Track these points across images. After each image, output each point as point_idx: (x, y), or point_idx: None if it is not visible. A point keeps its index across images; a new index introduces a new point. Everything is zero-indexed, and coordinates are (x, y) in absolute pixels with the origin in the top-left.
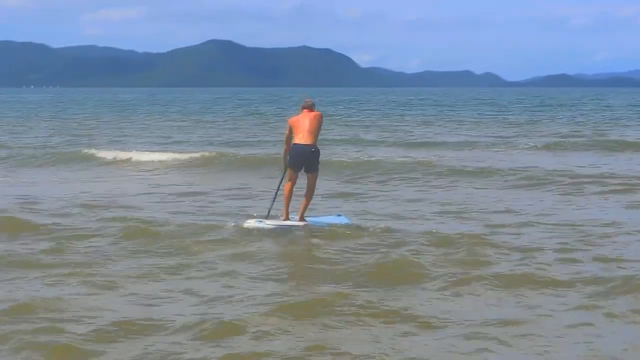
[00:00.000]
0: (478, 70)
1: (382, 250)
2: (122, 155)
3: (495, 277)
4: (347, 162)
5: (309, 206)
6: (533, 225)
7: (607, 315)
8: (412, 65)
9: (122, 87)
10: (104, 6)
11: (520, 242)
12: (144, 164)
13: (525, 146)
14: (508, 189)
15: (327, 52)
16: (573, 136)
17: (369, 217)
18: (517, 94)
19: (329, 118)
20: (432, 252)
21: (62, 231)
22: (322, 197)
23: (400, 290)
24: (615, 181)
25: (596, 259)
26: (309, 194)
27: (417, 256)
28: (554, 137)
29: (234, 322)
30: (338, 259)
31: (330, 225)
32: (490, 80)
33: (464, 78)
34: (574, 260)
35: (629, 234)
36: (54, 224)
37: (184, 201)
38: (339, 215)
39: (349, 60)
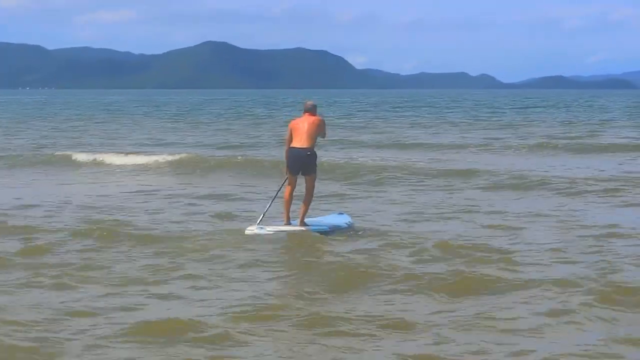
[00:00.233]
0: (473, 72)
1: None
2: (96, 157)
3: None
4: (331, 163)
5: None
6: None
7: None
8: (407, 67)
9: (117, 88)
10: (99, 8)
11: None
12: (118, 166)
13: (509, 148)
14: (489, 191)
15: (323, 53)
16: (558, 138)
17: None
18: (511, 96)
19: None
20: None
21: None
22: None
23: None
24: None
25: (563, 260)
26: (308, 197)
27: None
28: (539, 138)
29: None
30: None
31: (331, 227)
32: (486, 81)
33: (459, 80)
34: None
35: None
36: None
37: (164, 204)
38: (341, 213)
39: (344, 61)
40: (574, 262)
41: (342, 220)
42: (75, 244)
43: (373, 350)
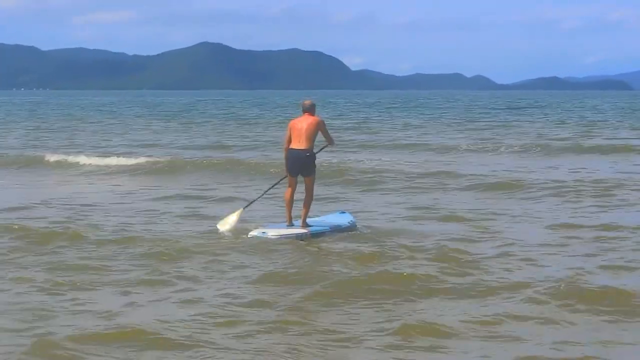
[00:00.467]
0: (468, 73)
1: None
2: (70, 159)
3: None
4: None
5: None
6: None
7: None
8: (402, 68)
9: (112, 89)
10: (94, 9)
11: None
12: (89, 167)
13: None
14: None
15: (318, 54)
16: (542, 139)
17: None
18: (504, 97)
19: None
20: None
21: None
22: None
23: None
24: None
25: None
26: (308, 198)
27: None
28: (528, 139)
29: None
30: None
31: (333, 227)
32: (481, 83)
33: (454, 81)
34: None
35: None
36: None
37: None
38: (343, 212)
39: (339, 63)
40: (542, 265)
41: (345, 219)
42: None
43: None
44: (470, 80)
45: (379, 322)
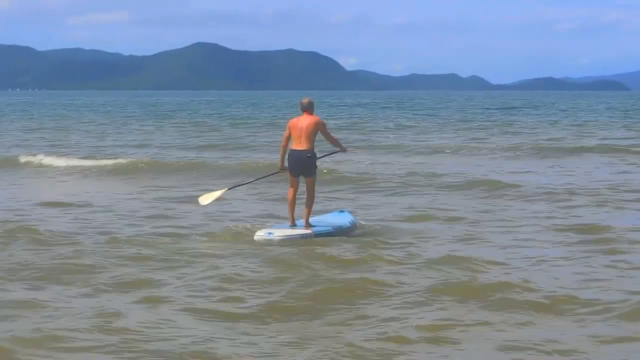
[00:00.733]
0: (464, 73)
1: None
2: (42, 160)
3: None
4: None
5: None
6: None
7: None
8: (398, 69)
9: (109, 89)
10: (90, 9)
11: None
12: (57, 169)
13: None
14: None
15: (313, 55)
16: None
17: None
18: (499, 97)
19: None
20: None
21: None
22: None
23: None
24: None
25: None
26: (309, 198)
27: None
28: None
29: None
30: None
31: (336, 228)
32: (477, 83)
33: (450, 81)
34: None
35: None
36: None
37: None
38: (342, 211)
39: (335, 63)
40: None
41: (345, 219)
42: None
43: None
44: (466, 80)
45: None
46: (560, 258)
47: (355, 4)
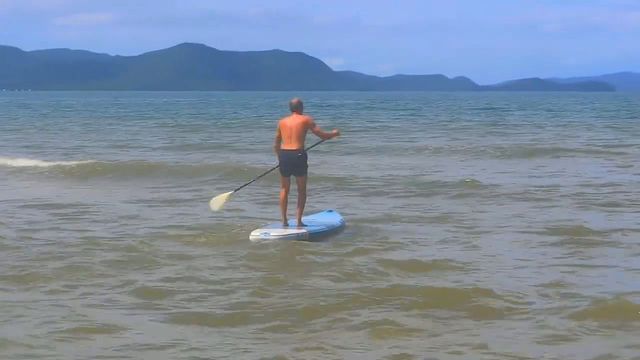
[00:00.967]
0: (451, 74)
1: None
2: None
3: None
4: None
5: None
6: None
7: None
8: (384, 69)
9: (95, 90)
10: (76, 10)
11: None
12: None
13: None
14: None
15: (300, 55)
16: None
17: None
18: (484, 98)
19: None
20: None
21: None
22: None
23: None
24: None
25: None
26: (301, 197)
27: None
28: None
29: None
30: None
31: (329, 227)
32: (463, 84)
33: (436, 82)
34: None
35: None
36: None
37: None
38: (330, 211)
39: (321, 64)
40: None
41: (335, 218)
42: None
43: None
44: (452, 81)
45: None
46: (530, 259)
47: (342, 4)
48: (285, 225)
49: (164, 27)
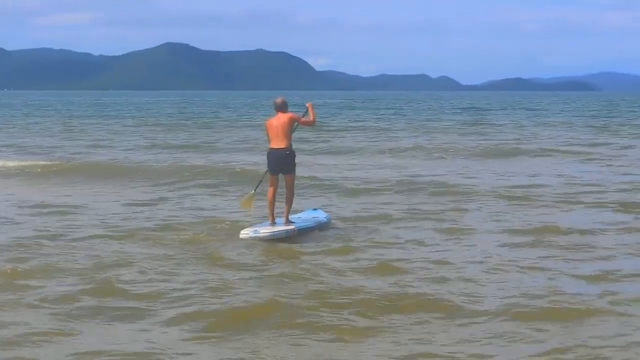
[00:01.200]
0: (434, 74)
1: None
2: None
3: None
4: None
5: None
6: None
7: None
8: (367, 69)
9: (78, 89)
10: (59, 9)
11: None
12: None
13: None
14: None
15: (283, 55)
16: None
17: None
18: (467, 97)
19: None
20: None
21: None
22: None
23: None
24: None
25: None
26: (289, 195)
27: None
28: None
29: None
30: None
31: (316, 223)
32: (447, 83)
33: (420, 82)
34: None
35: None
36: None
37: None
38: (315, 209)
39: (304, 63)
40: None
41: (321, 215)
42: None
43: None
44: (435, 81)
45: None
46: (493, 260)
47: (325, 4)
48: (273, 223)
49: (147, 26)
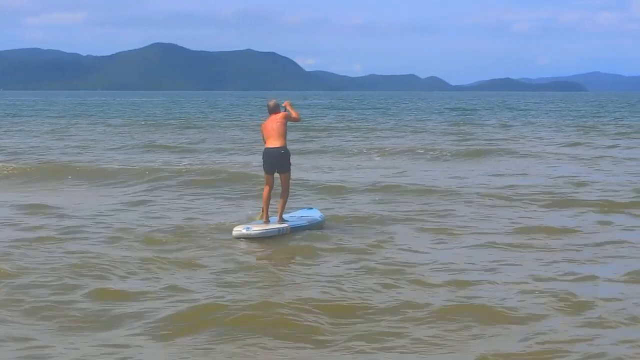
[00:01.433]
0: (423, 74)
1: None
2: None
3: None
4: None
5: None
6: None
7: None
8: (356, 69)
9: (67, 89)
10: (48, 10)
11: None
12: None
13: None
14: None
15: (272, 55)
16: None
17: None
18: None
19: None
20: None
21: None
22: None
23: None
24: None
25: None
26: (284, 194)
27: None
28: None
29: None
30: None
31: (310, 222)
32: (435, 84)
33: (408, 82)
34: None
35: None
36: None
37: None
38: (310, 208)
39: (293, 63)
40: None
41: (316, 214)
42: None
43: None
44: (424, 81)
45: None
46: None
47: (313, 4)
48: (267, 221)
49: (136, 27)
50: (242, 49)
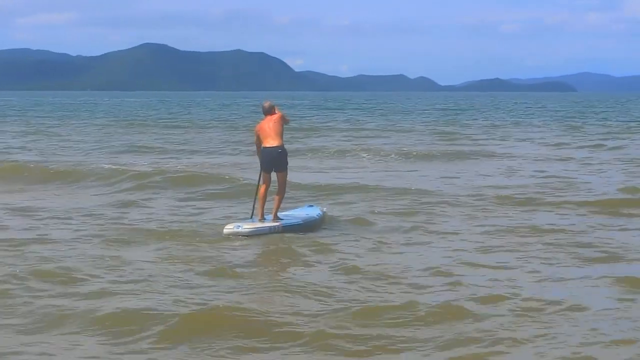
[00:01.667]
0: (412, 74)
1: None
2: None
3: None
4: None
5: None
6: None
7: None
8: (345, 70)
9: (56, 90)
10: (37, 10)
11: None
12: None
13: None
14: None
15: (261, 55)
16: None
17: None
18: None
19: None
20: None
21: None
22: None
23: None
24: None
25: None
26: (281, 193)
27: None
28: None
29: None
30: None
31: (305, 220)
32: (425, 84)
33: (398, 82)
34: None
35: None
36: None
37: None
38: (311, 205)
39: (282, 64)
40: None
41: (314, 212)
42: None
43: None
44: (413, 81)
45: None
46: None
47: (303, 4)
48: (262, 219)
49: (125, 27)
50: (232, 49)
